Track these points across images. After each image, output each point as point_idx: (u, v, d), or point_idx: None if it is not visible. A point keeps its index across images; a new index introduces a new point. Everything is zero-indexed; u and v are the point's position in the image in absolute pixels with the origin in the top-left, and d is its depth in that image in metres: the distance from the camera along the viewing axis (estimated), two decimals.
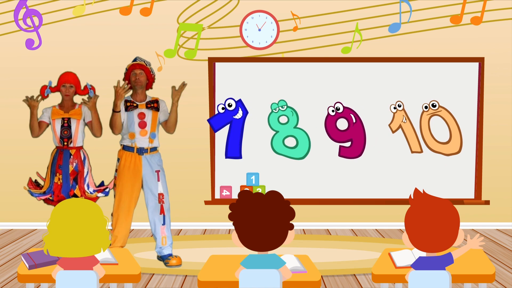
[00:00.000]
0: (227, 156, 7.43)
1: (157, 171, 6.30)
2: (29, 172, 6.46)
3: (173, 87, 6.27)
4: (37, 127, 6.20)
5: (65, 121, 6.20)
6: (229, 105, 7.31)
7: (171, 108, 6.29)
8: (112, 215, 6.32)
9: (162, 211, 6.30)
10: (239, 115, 7.36)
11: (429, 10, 7.77)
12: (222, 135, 7.47)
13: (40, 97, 6.18)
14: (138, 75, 6.25)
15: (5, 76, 7.94)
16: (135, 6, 7.80)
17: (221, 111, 7.32)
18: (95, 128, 6.22)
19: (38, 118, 6.22)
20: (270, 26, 7.73)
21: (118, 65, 6.36)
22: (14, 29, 7.78)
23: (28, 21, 7.72)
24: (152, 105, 6.30)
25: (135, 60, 6.29)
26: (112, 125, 6.25)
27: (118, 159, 6.31)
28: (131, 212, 6.32)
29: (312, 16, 7.80)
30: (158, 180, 6.30)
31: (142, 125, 6.26)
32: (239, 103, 7.26)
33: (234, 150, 7.42)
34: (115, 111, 6.20)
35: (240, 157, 7.42)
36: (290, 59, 7.61)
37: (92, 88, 6.23)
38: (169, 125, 6.32)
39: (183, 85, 6.30)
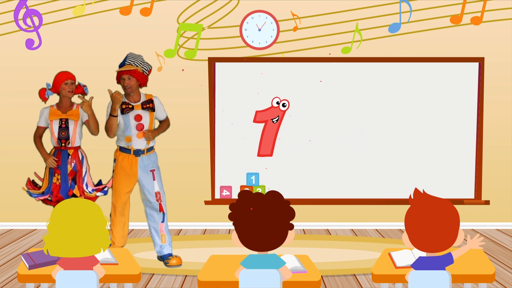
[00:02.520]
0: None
1: (152, 170, 6.29)
2: (29, 172, 6.46)
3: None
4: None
5: (63, 122, 6.19)
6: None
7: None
8: (110, 215, 6.32)
9: (161, 209, 6.30)
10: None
11: (429, 10, 7.77)
12: (222, 135, 7.46)
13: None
14: (127, 81, 6.15)
15: (5, 76, 7.94)
16: (135, 6, 7.80)
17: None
18: (92, 127, 6.21)
19: (45, 122, 6.22)
20: (270, 26, 7.73)
21: (118, 65, 6.35)
22: (14, 29, 7.78)
23: (28, 21, 7.72)
24: (147, 105, 6.26)
25: (125, 59, 6.22)
26: (108, 129, 6.21)
27: (115, 160, 6.31)
28: (127, 212, 6.32)
29: (312, 16, 7.80)
30: (154, 179, 6.29)
31: (140, 127, 6.23)
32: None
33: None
34: (112, 115, 6.16)
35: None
36: (290, 59, 7.60)
37: (85, 86, 6.24)
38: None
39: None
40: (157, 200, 6.28)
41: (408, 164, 7.50)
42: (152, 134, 6.25)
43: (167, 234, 6.34)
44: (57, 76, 6.21)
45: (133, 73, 6.14)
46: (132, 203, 6.48)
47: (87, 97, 6.22)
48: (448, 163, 7.50)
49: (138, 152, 6.25)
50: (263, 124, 7.51)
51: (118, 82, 6.22)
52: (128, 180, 6.25)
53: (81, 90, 6.23)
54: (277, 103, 7.36)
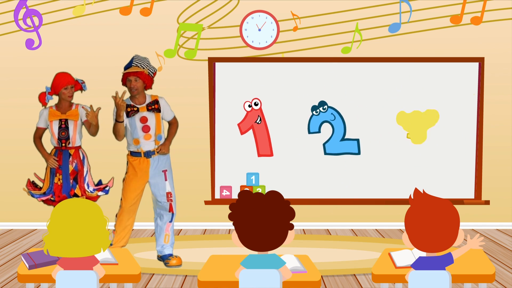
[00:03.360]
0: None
1: (164, 171, 6.29)
2: (29, 172, 6.46)
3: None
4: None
5: (63, 122, 6.20)
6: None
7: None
8: (116, 216, 6.32)
9: (171, 209, 6.30)
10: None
11: (429, 10, 7.77)
12: (222, 135, 7.46)
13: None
14: (133, 82, 6.15)
15: (5, 76, 7.94)
16: (135, 6, 7.80)
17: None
18: (92, 131, 6.22)
19: (45, 123, 6.23)
20: (270, 26, 7.72)
21: (118, 65, 6.36)
22: (14, 29, 7.78)
23: (28, 21, 7.72)
24: (153, 106, 6.26)
25: (131, 61, 6.21)
26: (115, 133, 6.21)
27: (128, 162, 6.31)
28: (135, 214, 6.33)
29: (312, 16, 7.80)
30: (166, 180, 6.29)
31: (146, 129, 6.22)
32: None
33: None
34: (118, 121, 6.16)
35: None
36: (290, 59, 7.60)
37: (83, 82, 6.24)
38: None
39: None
40: (168, 200, 6.29)
41: (408, 164, 7.49)
42: (164, 148, 6.26)
43: (171, 235, 6.35)
44: (56, 79, 6.19)
45: (139, 75, 6.14)
46: None
47: (87, 104, 6.22)
48: (448, 163, 7.49)
49: (148, 154, 6.24)
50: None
51: (124, 83, 6.22)
52: (139, 182, 6.25)
53: (79, 87, 6.23)
54: (249, 106, 7.37)
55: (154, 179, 6.26)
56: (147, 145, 6.24)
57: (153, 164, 6.25)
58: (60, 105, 6.25)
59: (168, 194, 6.29)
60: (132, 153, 6.27)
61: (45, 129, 6.27)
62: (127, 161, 6.30)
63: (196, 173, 7.83)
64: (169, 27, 7.76)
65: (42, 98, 6.20)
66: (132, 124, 6.21)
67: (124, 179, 6.30)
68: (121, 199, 6.32)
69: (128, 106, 6.21)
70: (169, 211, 6.31)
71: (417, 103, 7.47)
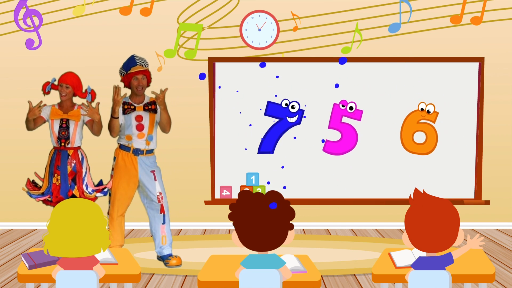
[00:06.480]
0: (259, 151, 7.44)
1: (153, 171, 6.31)
2: (29, 172, 6.46)
3: (154, 94, 6.21)
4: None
5: (64, 122, 6.20)
6: (293, 107, 7.34)
7: (160, 111, 6.27)
8: (108, 213, 6.33)
9: (162, 210, 6.32)
10: (293, 119, 7.39)
11: (429, 10, 7.76)
12: (222, 134, 7.46)
13: (42, 104, 6.11)
14: (141, 81, 6.23)
15: (5, 76, 7.94)
16: (135, 6, 7.79)
17: (283, 106, 7.34)
18: (95, 130, 6.21)
19: (45, 115, 6.21)
20: (270, 26, 7.72)
21: (118, 65, 6.36)
22: (14, 29, 7.78)
23: (28, 21, 7.71)
24: (150, 107, 6.29)
25: (134, 60, 6.23)
26: (110, 129, 6.25)
27: (114, 158, 6.33)
28: (125, 211, 6.33)
29: (312, 16, 7.79)
30: (155, 180, 6.31)
31: (140, 127, 6.26)
32: (301, 112, 7.30)
33: (268, 146, 7.43)
34: (113, 117, 6.19)
35: (272, 152, 7.43)
36: (290, 59, 7.60)
37: (92, 92, 6.21)
38: (162, 127, 6.33)
39: (165, 90, 6.24)
40: (159, 201, 6.29)
41: (408, 164, 7.49)
42: (163, 97, 6.18)
43: (167, 235, 6.35)
44: (61, 76, 6.21)
45: (146, 73, 6.26)
46: (132, 203, 6.48)
47: (92, 104, 6.21)
48: (448, 163, 7.49)
49: (137, 152, 6.28)
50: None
51: (126, 85, 6.24)
52: (127, 178, 6.26)
53: (84, 96, 6.21)
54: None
55: (144, 179, 6.29)
56: (138, 143, 6.28)
57: (141, 164, 6.27)
58: (62, 104, 6.26)
59: (159, 195, 6.30)
60: (122, 146, 6.31)
61: (43, 120, 6.22)
62: (114, 157, 6.31)
63: (196, 173, 7.84)
64: (169, 27, 7.75)
65: (44, 86, 6.22)
66: (127, 121, 6.26)
67: (111, 175, 6.29)
68: (109, 196, 6.30)
69: (125, 103, 6.26)
70: (161, 213, 6.32)
71: (417, 103, 7.47)
